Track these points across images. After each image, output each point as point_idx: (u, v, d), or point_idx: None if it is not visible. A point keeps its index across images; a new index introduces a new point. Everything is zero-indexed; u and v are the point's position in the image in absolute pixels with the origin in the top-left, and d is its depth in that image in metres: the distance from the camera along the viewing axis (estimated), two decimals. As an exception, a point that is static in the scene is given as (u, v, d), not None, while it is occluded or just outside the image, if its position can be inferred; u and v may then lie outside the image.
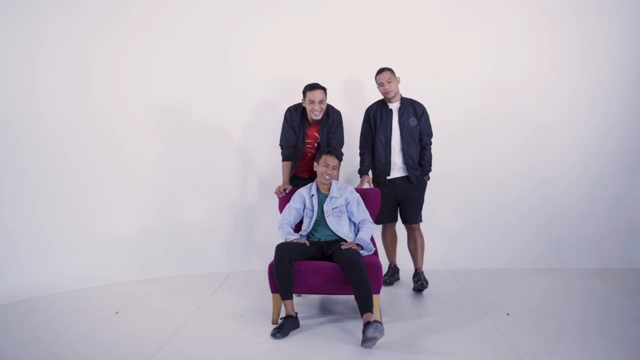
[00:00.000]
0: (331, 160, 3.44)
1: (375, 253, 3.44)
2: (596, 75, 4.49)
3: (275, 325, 3.14)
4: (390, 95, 3.77)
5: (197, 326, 3.23)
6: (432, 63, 4.46)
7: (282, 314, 3.21)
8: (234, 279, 4.30)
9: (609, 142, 4.51)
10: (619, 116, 4.50)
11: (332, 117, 3.75)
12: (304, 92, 3.68)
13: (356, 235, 3.42)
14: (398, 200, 3.86)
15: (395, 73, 3.77)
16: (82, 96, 4.26)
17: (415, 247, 3.90)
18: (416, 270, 3.89)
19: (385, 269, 4.03)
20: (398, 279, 4.13)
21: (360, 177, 3.90)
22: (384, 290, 3.37)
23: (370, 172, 3.94)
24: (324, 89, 3.67)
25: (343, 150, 3.80)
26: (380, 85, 3.79)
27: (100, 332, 3.17)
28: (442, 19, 4.48)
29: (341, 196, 3.47)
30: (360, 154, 3.94)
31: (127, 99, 4.35)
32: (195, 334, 3.10)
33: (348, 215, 3.47)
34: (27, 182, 4.13)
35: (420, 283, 3.78)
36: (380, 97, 3.89)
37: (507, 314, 3.36)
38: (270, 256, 3.28)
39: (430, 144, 3.86)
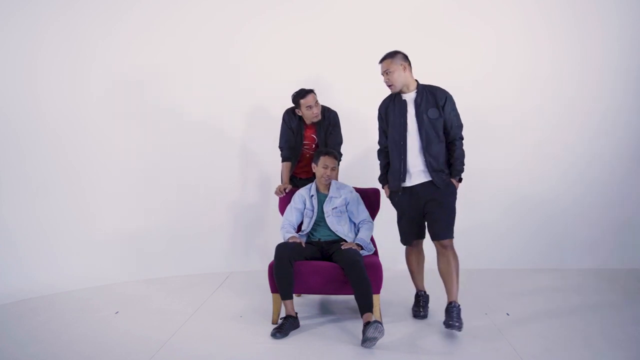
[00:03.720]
0: (330, 161, 3.43)
1: (375, 253, 3.44)
2: (596, 75, 4.49)
3: (275, 325, 3.14)
4: (395, 89, 3.18)
5: (197, 326, 3.23)
6: (432, 63, 4.45)
7: (282, 314, 3.21)
8: (234, 279, 4.30)
9: (609, 142, 4.51)
10: (619, 116, 4.50)
11: (328, 118, 3.74)
12: (297, 102, 3.64)
13: (356, 235, 3.42)
14: (423, 212, 3.20)
15: (401, 59, 3.15)
16: (82, 96, 4.26)
17: (449, 270, 3.10)
18: (450, 302, 3.07)
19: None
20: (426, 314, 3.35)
21: (382, 186, 3.44)
22: (384, 290, 3.37)
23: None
24: (314, 91, 3.65)
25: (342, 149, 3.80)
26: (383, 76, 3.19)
27: (100, 332, 3.17)
28: (442, 19, 4.48)
29: (340, 196, 3.47)
30: (378, 159, 3.44)
31: (127, 99, 4.35)
32: (195, 334, 3.10)
33: (348, 215, 3.46)
34: (27, 182, 4.13)
35: (457, 325, 2.97)
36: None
37: (507, 314, 3.36)
38: (270, 256, 3.28)
39: (461, 138, 3.19)
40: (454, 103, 3.19)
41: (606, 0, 4.45)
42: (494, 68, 4.50)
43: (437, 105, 3.13)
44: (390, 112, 3.23)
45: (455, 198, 3.22)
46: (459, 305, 3.06)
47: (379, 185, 3.82)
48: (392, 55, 3.16)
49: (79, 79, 4.26)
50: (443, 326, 3.12)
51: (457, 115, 3.21)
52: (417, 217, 3.23)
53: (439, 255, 3.18)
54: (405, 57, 3.19)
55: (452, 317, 3.00)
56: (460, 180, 3.24)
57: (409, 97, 3.19)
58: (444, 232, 3.13)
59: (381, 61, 3.20)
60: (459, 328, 2.98)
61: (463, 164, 3.20)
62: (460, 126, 3.21)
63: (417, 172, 3.15)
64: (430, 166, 3.11)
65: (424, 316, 3.36)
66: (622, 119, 4.50)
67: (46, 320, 3.37)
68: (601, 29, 4.46)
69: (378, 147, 3.43)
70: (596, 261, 4.50)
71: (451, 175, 3.19)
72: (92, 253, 4.24)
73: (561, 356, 2.76)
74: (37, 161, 4.16)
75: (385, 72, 3.16)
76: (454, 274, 3.11)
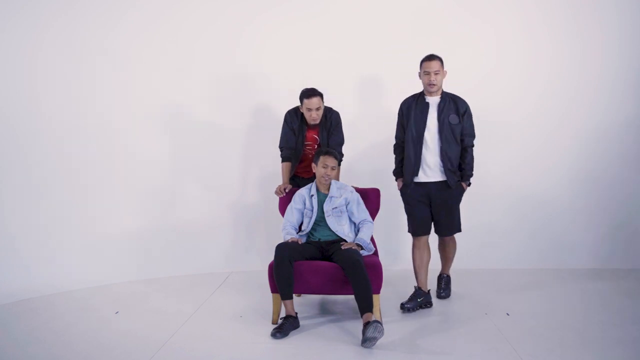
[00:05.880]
0: (330, 160, 3.42)
1: (376, 253, 3.44)
2: (596, 75, 4.49)
3: (275, 325, 3.14)
4: (434, 88, 3.40)
5: (197, 326, 3.23)
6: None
7: (282, 314, 3.21)
8: (234, 279, 4.30)
9: (609, 141, 4.51)
10: (618, 116, 4.49)
11: (330, 118, 3.73)
12: (301, 99, 3.65)
13: (356, 235, 3.42)
14: (431, 208, 3.52)
15: (444, 65, 3.45)
16: (82, 96, 4.26)
17: (444, 251, 3.72)
18: (440, 274, 3.78)
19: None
20: (424, 305, 3.51)
21: (396, 179, 3.66)
22: (384, 290, 3.36)
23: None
24: (321, 95, 3.63)
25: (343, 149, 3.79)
26: (425, 74, 3.40)
27: (100, 332, 3.17)
28: (442, 19, 4.48)
29: (341, 196, 3.47)
30: (394, 153, 3.67)
31: (128, 99, 4.35)
32: (195, 334, 3.10)
33: (348, 215, 3.47)
34: (27, 181, 4.13)
35: (443, 294, 3.67)
36: (414, 90, 3.57)
37: (507, 314, 3.36)
38: (270, 256, 3.28)
39: (473, 145, 3.50)
40: (471, 114, 3.48)
41: (606, 0, 4.45)
42: (494, 68, 4.49)
43: (457, 113, 3.42)
44: (412, 111, 3.48)
45: (460, 200, 3.58)
46: (447, 276, 3.73)
47: (379, 185, 3.84)
48: (441, 58, 3.43)
49: (80, 78, 4.25)
50: (443, 325, 3.16)
51: (472, 125, 3.49)
52: (426, 212, 3.52)
53: (440, 243, 3.74)
54: None
55: (441, 286, 3.70)
56: (469, 184, 3.55)
57: (433, 100, 3.45)
58: (445, 231, 3.60)
59: (431, 59, 3.41)
60: (445, 297, 3.65)
61: (472, 169, 3.51)
62: (473, 135, 3.49)
63: (432, 170, 3.44)
64: (446, 166, 3.40)
65: (410, 309, 3.42)
66: (622, 119, 4.50)
67: (46, 320, 3.37)
68: (601, 29, 4.45)
69: (395, 141, 3.66)
70: (596, 261, 4.50)
71: (462, 179, 3.49)
72: (92, 253, 4.24)
73: (561, 356, 2.77)
74: (38, 161, 4.16)
75: (435, 72, 3.38)
76: (448, 253, 3.71)
